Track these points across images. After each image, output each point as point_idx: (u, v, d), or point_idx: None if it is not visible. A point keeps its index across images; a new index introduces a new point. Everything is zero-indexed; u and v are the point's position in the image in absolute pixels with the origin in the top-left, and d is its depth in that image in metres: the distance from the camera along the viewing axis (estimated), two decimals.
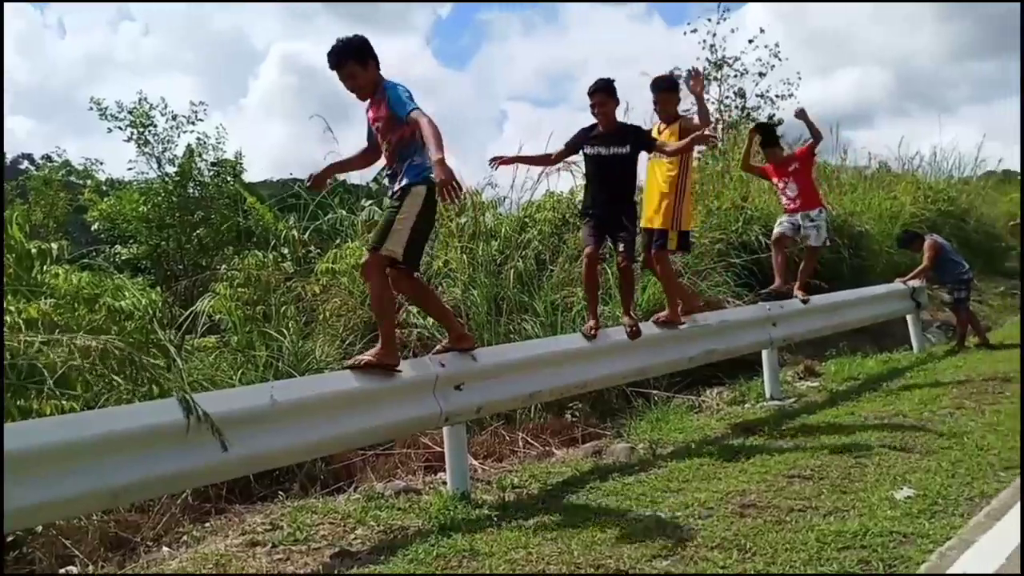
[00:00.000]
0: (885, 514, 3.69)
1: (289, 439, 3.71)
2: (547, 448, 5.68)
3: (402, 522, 4.06)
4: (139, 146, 8.10)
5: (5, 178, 9.76)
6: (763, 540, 3.45)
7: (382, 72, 4.35)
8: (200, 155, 8.32)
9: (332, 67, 4.31)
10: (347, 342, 7.00)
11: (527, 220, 8.51)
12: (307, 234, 8.92)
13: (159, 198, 7.75)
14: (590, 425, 6.17)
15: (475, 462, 5.17)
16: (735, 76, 17.30)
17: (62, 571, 3.94)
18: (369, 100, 4.38)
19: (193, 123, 8.42)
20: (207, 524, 4.36)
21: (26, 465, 2.91)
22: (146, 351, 5.87)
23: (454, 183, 3.80)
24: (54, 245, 5.37)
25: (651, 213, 5.99)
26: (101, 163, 9.32)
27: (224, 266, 7.76)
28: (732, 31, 17.52)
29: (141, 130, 8.04)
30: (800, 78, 20.57)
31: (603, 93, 5.45)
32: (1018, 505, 3.70)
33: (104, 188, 8.83)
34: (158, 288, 7.24)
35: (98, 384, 5.61)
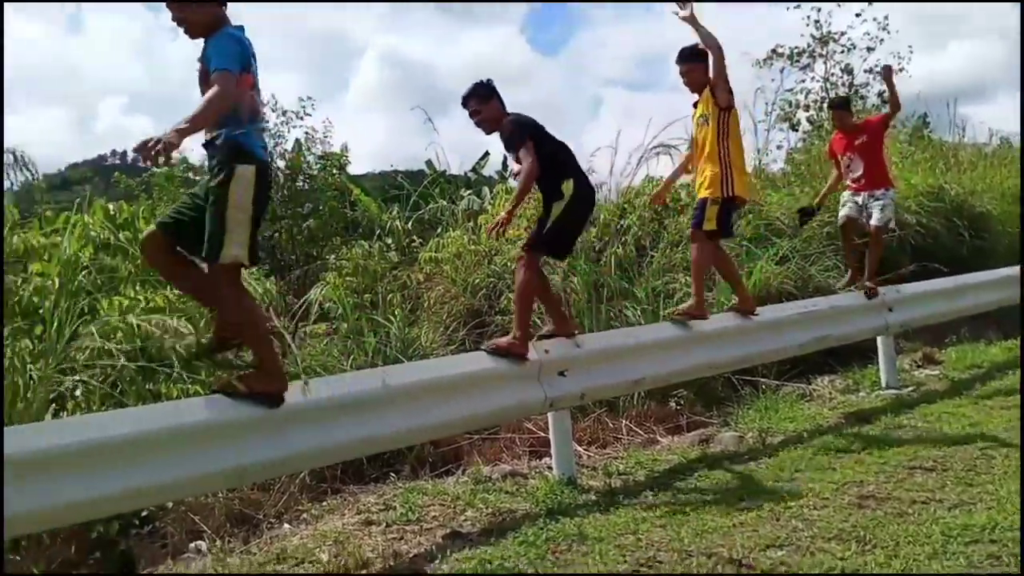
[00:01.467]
0: (1015, 507, 3.49)
1: (401, 423, 3.81)
2: (651, 436, 5.63)
3: (510, 505, 4.12)
4: None
5: (130, 175, 10.37)
6: (884, 532, 3.33)
7: (235, 20, 3.43)
8: (308, 149, 8.63)
9: None
10: (450, 328, 7.13)
11: (626, 206, 8.42)
12: (409, 224, 9.11)
13: (271, 192, 8.06)
14: (695, 413, 6.08)
15: (579, 448, 5.18)
16: (842, 52, 16.62)
17: (192, 545, 4.18)
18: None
19: (301, 118, 8.75)
20: (324, 503, 4.54)
21: (165, 444, 3.10)
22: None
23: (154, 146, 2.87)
24: None
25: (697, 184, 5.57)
26: None
27: (333, 256, 8.03)
28: (838, 5, 16.84)
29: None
30: (912, 51, 19.54)
31: (474, 100, 4.68)
32: None
33: None
34: (272, 278, 7.56)
35: (220, 369, 5.93)
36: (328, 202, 7.91)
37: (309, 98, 8.98)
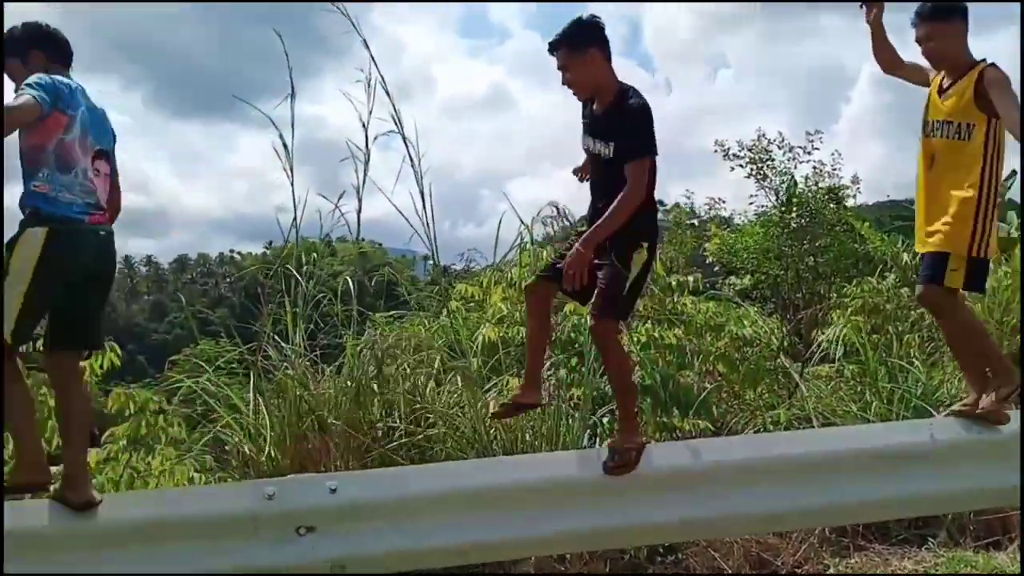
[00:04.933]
0: None
1: (951, 483, 3.34)
2: None
3: None
4: (758, 180, 8.56)
5: None
6: None
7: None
8: (816, 183, 8.40)
9: None
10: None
11: None
12: (918, 258, 8.21)
13: (777, 229, 8.03)
14: None
15: None
16: None
17: None
18: None
19: (809, 152, 8.56)
20: (849, 560, 4.24)
21: (701, 481, 3.18)
22: (772, 377, 6.08)
23: None
24: (690, 278, 5.93)
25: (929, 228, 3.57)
26: (723, 201, 10.08)
27: (835, 295, 7.64)
28: None
29: (759, 165, 8.45)
30: None
31: (564, 51, 3.30)
32: None
33: (723, 223, 9.58)
34: (775, 316, 7.46)
35: (721, 406, 6.01)
36: (837, 237, 7.54)
37: (817, 131, 8.76)
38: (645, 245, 3.26)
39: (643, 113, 3.22)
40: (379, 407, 4.50)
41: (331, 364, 4.74)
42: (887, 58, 3.74)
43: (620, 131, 3.22)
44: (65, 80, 3.02)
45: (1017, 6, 3.66)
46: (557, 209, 5.48)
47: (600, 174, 3.39)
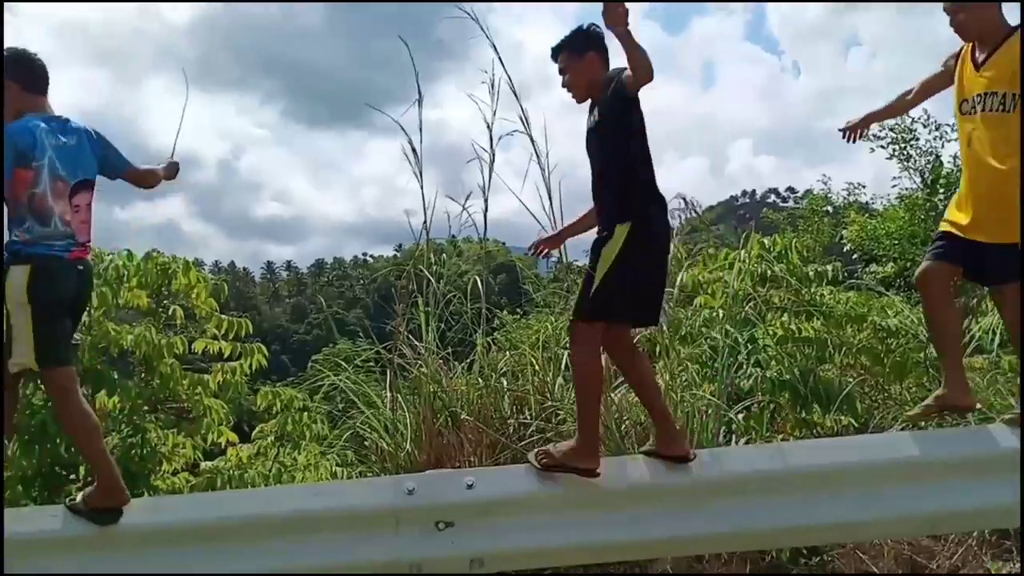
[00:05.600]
0: None
1: None
2: None
3: None
4: (901, 161, 8.05)
5: (754, 213, 10.93)
6: None
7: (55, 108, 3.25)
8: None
9: None
10: None
11: None
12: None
13: (922, 212, 7.53)
14: None
15: None
16: None
17: None
18: None
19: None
20: (1013, 563, 3.94)
21: (838, 482, 3.04)
22: (921, 370, 5.73)
23: None
24: (828, 267, 5.66)
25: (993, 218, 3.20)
26: (863, 186, 9.51)
27: None
28: None
29: (902, 145, 7.95)
30: None
31: (564, 54, 3.39)
32: None
33: (862, 209, 9.11)
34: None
35: (865, 401, 5.71)
36: None
37: None
38: (616, 230, 3.11)
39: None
40: (510, 403, 4.55)
41: (462, 361, 4.84)
42: (909, 108, 3.85)
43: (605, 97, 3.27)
44: (29, 125, 3.12)
45: (1017, 6, 3.34)
46: (684, 200, 5.36)
47: (594, 158, 3.42)
